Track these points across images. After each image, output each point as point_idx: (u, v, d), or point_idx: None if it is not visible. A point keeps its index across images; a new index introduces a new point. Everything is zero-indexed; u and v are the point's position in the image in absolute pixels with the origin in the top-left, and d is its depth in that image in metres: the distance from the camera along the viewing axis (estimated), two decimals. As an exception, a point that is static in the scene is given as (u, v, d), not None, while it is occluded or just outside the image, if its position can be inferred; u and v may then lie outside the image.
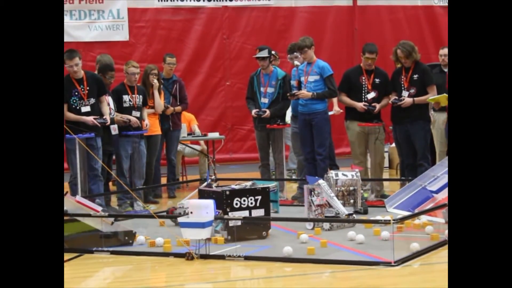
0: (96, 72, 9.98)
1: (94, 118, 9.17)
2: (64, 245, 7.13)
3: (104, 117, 9.32)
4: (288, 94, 10.22)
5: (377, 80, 10.07)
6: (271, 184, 8.55)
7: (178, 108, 11.37)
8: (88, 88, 9.25)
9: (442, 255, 6.61)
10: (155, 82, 10.66)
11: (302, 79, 10.06)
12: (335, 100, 10.79)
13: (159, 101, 10.71)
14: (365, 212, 8.92)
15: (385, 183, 10.62)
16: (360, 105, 9.98)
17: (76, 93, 9.20)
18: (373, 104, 9.96)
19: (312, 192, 8.10)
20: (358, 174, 8.97)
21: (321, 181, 8.20)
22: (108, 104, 9.72)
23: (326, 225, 7.91)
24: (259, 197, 7.75)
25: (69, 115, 9.16)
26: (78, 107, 9.20)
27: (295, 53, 10.44)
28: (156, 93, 10.66)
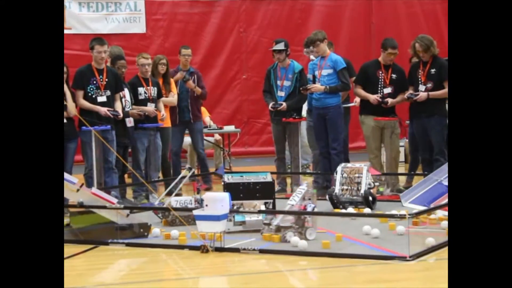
0: (109, 64, 9.99)
1: (108, 110, 9.19)
2: (80, 236, 7.19)
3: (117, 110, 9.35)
4: (301, 88, 10.21)
5: (394, 76, 10.03)
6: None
7: (198, 90, 11.24)
8: (106, 79, 9.28)
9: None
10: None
11: (316, 73, 10.06)
12: None
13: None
14: (366, 200, 8.65)
15: (401, 178, 10.59)
16: (373, 97, 9.93)
17: (94, 82, 9.22)
18: (386, 100, 9.90)
19: None
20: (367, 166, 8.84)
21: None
22: (124, 97, 9.77)
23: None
24: None
25: (84, 103, 9.20)
26: (94, 96, 9.22)
27: (311, 47, 10.42)
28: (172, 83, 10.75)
